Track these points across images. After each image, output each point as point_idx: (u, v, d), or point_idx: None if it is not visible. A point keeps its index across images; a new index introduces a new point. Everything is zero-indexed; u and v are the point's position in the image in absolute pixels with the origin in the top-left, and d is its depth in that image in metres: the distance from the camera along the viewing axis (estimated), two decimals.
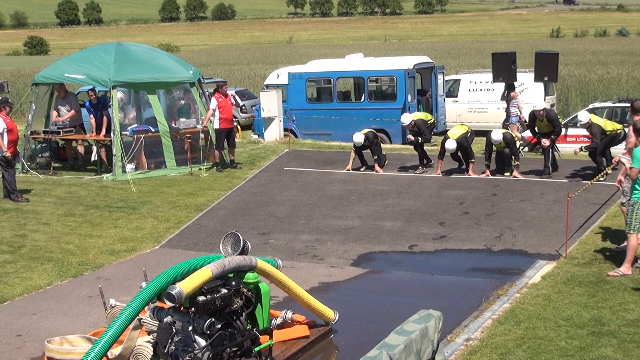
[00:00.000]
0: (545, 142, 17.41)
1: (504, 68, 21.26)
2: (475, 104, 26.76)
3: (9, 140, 16.77)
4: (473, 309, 9.87)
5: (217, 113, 19.67)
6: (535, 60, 21.16)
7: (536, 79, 21.61)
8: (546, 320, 9.16)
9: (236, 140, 22.28)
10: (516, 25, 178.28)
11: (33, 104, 21.36)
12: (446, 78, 26.79)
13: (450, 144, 17.59)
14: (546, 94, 23.96)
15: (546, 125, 17.56)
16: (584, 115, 17.05)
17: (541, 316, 9.30)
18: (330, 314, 9.36)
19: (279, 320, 8.91)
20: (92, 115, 20.59)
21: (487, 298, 10.22)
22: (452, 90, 27.20)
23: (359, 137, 18.94)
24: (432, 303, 7.92)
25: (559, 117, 18.81)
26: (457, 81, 27.64)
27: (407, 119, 18.91)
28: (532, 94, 25.55)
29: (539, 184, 16.85)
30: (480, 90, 26.71)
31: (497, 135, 17.39)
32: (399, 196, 16.43)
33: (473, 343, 8.68)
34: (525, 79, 25.01)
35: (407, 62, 24.21)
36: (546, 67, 20.75)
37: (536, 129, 17.93)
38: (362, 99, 24.52)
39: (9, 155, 16.78)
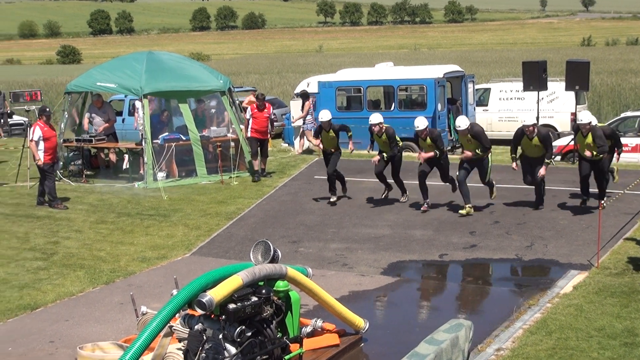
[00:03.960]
0: (542, 173, 14.84)
1: (534, 77, 21.20)
2: (505, 113, 26.66)
3: (45, 148, 16.95)
4: (504, 319, 9.78)
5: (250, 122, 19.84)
6: (567, 69, 21.05)
7: (567, 88, 21.51)
8: (578, 330, 9.06)
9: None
10: (547, 33, 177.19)
11: (65, 113, 21.57)
12: (476, 87, 26.72)
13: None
14: (577, 102, 23.74)
15: (535, 146, 14.93)
16: (585, 116, 14.85)
17: (573, 326, 9.20)
18: (361, 322, 9.34)
19: (309, 329, 8.90)
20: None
21: (518, 308, 10.13)
22: (483, 99, 27.11)
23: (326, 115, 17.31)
24: (462, 313, 7.87)
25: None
26: (488, 90, 27.55)
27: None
28: (563, 103, 25.42)
29: (570, 193, 16.72)
30: (511, 99, 26.62)
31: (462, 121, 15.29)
32: (429, 205, 16.37)
33: (504, 353, 8.61)
34: (556, 88, 24.88)
35: (437, 71, 24.13)
36: (577, 76, 20.64)
37: (520, 148, 15.36)
38: (392, 108, 24.46)
39: (41, 164, 16.95)
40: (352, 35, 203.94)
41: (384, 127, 16.78)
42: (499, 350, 8.72)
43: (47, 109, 17.85)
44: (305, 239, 14.22)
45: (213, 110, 22.39)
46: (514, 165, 15.52)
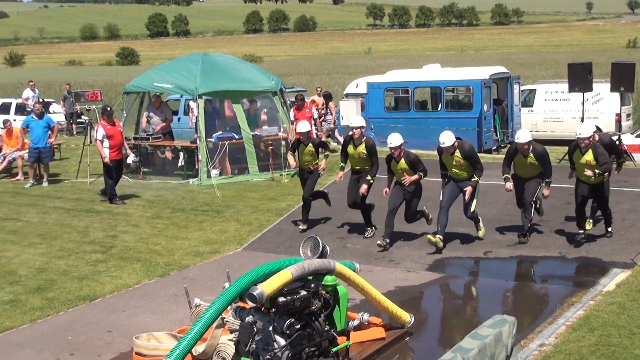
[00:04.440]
0: (545, 192, 13.01)
1: (580, 78, 20.94)
2: (550, 114, 26.41)
3: (110, 146, 17.20)
4: (547, 315, 9.69)
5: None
6: (612, 71, 20.78)
7: (612, 89, 21.24)
8: (620, 327, 8.94)
9: None
10: (592, 35, 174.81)
11: (124, 112, 21.84)
12: (522, 88, 26.49)
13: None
14: (622, 104, 23.41)
15: (530, 164, 12.87)
16: (586, 129, 12.56)
17: (615, 324, 9.08)
18: (406, 317, 9.33)
19: (356, 322, 8.90)
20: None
21: (561, 305, 10.03)
22: (528, 100, 26.87)
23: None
24: (506, 308, 7.82)
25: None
26: (533, 91, 27.30)
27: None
28: (607, 104, 25.08)
29: (614, 193, 16.43)
30: (556, 100, 26.36)
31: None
32: None
33: (547, 349, 8.53)
34: (602, 89, 24.55)
35: (483, 72, 24.00)
36: (622, 78, 20.37)
37: (513, 166, 13.31)
38: (439, 108, 24.39)
39: (108, 162, 17.20)
40: (401, 38, 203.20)
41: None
42: (542, 346, 8.64)
43: (109, 108, 18.09)
44: (352, 236, 14.23)
45: (265, 110, 22.50)
46: (508, 185, 13.16)
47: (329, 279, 8.34)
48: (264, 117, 22.71)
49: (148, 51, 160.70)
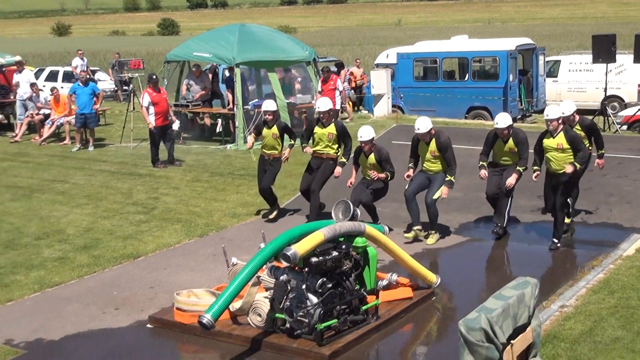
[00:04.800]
0: (510, 182, 11.18)
1: (604, 50, 20.69)
2: (574, 84, 26.08)
3: (155, 112, 17.33)
4: (568, 278, 9.67)
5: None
6: (635, 43, 20.53)
7: (635, 60, 20.98)
8: (639, 290, 8.90)
9: (346, 114, 22.41)
10: (617, 8, 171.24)
11: (165, 80, 21.91)
12: (547, 59, 26.17)
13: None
14: None
15: (510, 150, 11.41)
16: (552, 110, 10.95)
17: (635, 287, 9.03)
18: (433, 277, 9.34)
19: (384, 282, 8.93)
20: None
21: (582, 268, 9.99)
22: (552, 71, 26.55)
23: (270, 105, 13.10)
24: (529, 271, 7.78)
25: None
26: (558, 62, 26.97)
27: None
28: (630, 75, 24.72)
29: (634, 161, 16.30)
30: (580, 70, 26.03)
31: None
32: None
33: (567, 310, 8.51)
34: (625, 61, 24.19)
35: (509, 44, 23.74)
36: None
37: (492, 154, 11.73)
38: (466, 78, 24.20)
39: (152, 128, 17.31)
40: (430, 10, 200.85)
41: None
42: (563, 307, 8.63)
43: (154, 76, 18.18)
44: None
45: (299, 79, 22.46)
46: (482, 173, 11.62)
47: (359, 241, 8.38)
48: (297, 85, 22.69)
49: (188, 22, 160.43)
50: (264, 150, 13.04)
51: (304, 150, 12.84)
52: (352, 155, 12.16)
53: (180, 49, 21.98)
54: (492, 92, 22.97)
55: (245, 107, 19.78)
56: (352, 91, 27.40)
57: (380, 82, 24.11)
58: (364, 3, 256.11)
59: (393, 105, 24.44)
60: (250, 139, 13.84)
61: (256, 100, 20.55)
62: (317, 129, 12.48)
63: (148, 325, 8.80)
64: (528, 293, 6.96)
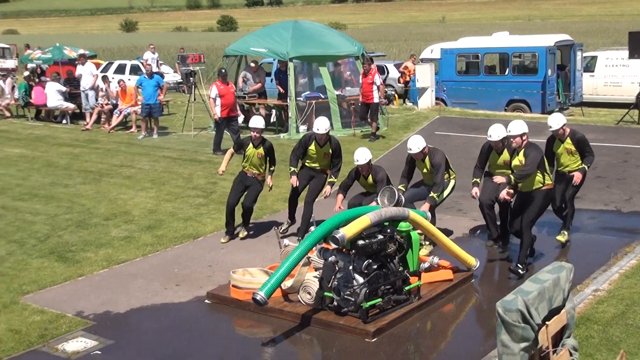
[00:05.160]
0: (506, 195, 9.24)
1: (639, 46, 20.35)
2: (610, 79, 25.56)
3: (221, 104, 17.53)
4: (602, 264, 9.52)
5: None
6: (629, 39, 20.31)
7: (630, 56, 20.81)
8: None
9: (393, 106, 22.25)
10: None
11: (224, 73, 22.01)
12: (584, 54, 25.70)
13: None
14: None
15: (504, 162, 9.97)
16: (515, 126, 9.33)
17: None
18: (472, 261, 9.28)
19: (426, 265, 8.91)
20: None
21: (615, 254, 9.82)
22: (590, 66, 26.07)
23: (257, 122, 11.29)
24: (564, 256, 7.69)
25: None
26: (595, 57, 26.46)
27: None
28: None
29: None
30: (616, 66, 25.51)
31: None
32: None
33: (600, 294, 8.39)
34: None
35: (548, 40, 23.38)
36: None
37: (488, 167, 10.49)
38: (506, 73, 23.90)
39: (217, 118, 17.49)
40: (472, 8, 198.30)
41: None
42: (596, 291, 8.51)
43: (223, 70, 18.43)
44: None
45: (348, 73, 22.41)
46: (473, 191, 10.32)
47: (403, 225, 8.37)
48: (347, 79, 22.62)
49: (245, 19, 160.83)
50: (247, 167, 11.17)
51: (291, 178, 11.20)
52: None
53: (238, 44, 22.09)
54: (531, 86, 22.67)
55: (298, 99, 19.86)
56: (403, 84, 27.25)
57: (424, 76, 23.94)
58: (410, 1, 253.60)
59: (436, 98, 24.25)
60: (227, 157, 11.68)
61: (308, 92, 20.62)
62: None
63: (206, 301, 8.90)
64: (563, 277, 6.88)
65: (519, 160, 9.18)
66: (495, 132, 10.05)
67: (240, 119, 18.64)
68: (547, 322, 6.58)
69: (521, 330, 6.19)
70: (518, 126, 9.18)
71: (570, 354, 6.99)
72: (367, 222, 7.88)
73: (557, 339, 6.86)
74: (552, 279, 6.72)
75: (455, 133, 19.37)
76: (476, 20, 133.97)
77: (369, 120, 19.33)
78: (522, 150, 9.12)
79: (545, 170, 9.22)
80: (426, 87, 24.03)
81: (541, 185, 9.18)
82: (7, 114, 25.11)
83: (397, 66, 30.43)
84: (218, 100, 17.51)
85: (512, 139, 9.27)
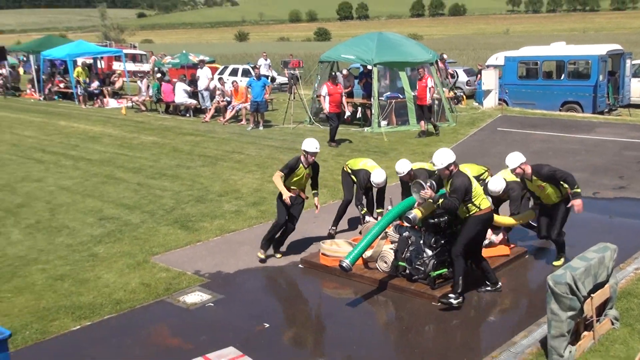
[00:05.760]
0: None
1: None
2: None
3: (330, 101, 17.79)
4: None
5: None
6: None
7: None
8: None
9: (461, 106, 21.88)
10: None
11: (318, 76, 22.12)
12: (633, 62, 24.56)
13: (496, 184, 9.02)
14: None
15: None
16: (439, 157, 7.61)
17: None
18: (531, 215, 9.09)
19: (487, 241, 8.74)
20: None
21: None
22: (638, 72, 24.90)
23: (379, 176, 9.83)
24: (609, 239, 7.40)
25: None
26: None
27: (403, 167, 9.24)
28: None
29: None
30: None
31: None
32: (587, 154, 15.41)
33: None
34: None
35: (600, 49, 22.45)
36: None
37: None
38: (562, 77, 23.10)
39: (327, 113, 17.95)
40: (533, 21, 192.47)
41: (412, 173, 9.31)
42: (637, 269, 8.21)
43: (334, 73, 18.81)
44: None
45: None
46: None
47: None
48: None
49: (337, 30, 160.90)
50: (293, 187, 9.20)
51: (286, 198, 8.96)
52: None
53: (331, 51, 22.09)
54: (583, 89, 21.85)
55: (380, 98, 19.77)
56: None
57: (489, 80, 23.42)
58: (479, 15, 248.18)
59: (499, 99, 23.70)
60: (278, 176, 9.10)
61: (389, 93, 20.50)
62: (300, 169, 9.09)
63: (299, 266, 8.99)
64: (608, 256, 6.69)
65: (447, 189, 7.60)
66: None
67: (347, 114, 18.64)
68: (592, 295, 6.41)
69: (569, 300, 6.07)
70: (441, 158, 7.52)
71: (612, 323, 6.79)
72: (434, 206, 7.80)
73: (601, 310, 6.69)
74: (598, 258, 6.55)
75: (515, 129, 18.87)
76: (536, 32, 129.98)
77: (428, 119, 18.77)
78: (451, 179, 7.48)
79: (471, 199, 7.43)
80: (490, 90, 23.50)
81: (471, 212, 7.50)
82: (143, 108, 25.89)
83: (466, 71, 29.88)
84: (327, 98, 17.68)
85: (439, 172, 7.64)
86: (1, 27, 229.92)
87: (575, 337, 6.30)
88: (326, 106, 17.80)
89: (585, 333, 6.42)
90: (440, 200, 7.42)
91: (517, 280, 8.51)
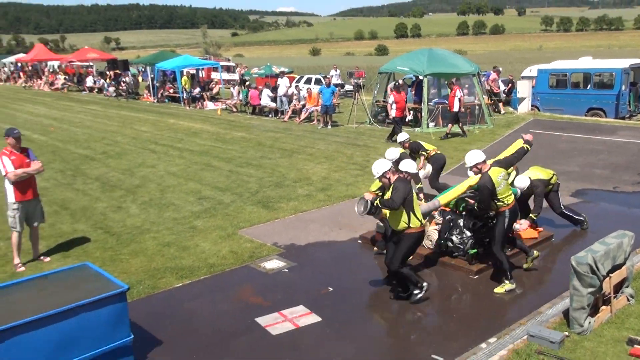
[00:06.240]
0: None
1: None
2: None
3: (396, 108, 17.70)
4: None
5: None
6: None
7: None
8: None
9: (500, 111, 21.31)
10: None
11: (377, 84, 21.95)
12: None
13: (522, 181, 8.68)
14: None
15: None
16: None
17: None
18: None
19: (517, 226, 8.49)
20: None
21: None
22: None
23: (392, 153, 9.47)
24: (627, 227, 7.07)
25: None
26: None
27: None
28: None
29: None
30: None
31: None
32: (609, 154, 14.72)
33: None
34: None
35: (624, 63, 21.34)
36: None
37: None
38: (588, 87, 22.11)
39: (393, 117, 17.72)
40: (564, 39, 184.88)
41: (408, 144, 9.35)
42: None
43: (396, 83, 18.52)
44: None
45: (467, 86, 21.60)
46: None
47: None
48: (465, 90, 21.81)
49: (394, 47, 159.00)
50: (386, 218, 7.28)
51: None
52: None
53: (388, 64, 21.85)
54: (607, 97, 20.85)
55: (429, 103, 19.44)
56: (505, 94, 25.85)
57: (524, 89, 22.69)
58: (516, 34, 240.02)
59: (532, 105, 22.91)
60: (368, 197, 7.00)
61: (436, 99, 20.17)
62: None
63: (358, 241, 8.96)
64: (625, 242, 6.41)
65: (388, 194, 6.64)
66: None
67: (408, 118, 18.50)
68: (610, 275, 6.16)
69: (589, 278, 5.85)
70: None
71: (628, 300, 6.50)
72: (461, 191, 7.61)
73: (618, 288, 6.42)
74: (617, 243, 6.28)
75: (545, 131, 18.21)
76: (566, 49, 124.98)
77: (455, 123, 18.08)
78: (393, 184, 6.60)
79: (412, 210, 6.57)
80: (524, 97, 22.76)
81: (406, 226, 6.56)
82: (234, 109, 26.31)
83: (503, 82, 28.98)
84: (394, 105, 17.52)
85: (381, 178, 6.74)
86: (126, 44, 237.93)
87: (594, 310, 6.07)
88: (392, 112, 17.62)
89: (604, 307, 6.17)
90: (378, 200, 6.50)
91: (544, 260, 8.23)
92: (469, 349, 5.82)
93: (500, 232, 7.12)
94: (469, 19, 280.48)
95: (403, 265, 6.73)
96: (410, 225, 6.61)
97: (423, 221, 6.76)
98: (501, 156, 7.94)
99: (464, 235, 7.70)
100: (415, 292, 6.80)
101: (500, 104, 23.67)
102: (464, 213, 7.74)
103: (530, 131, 18.33)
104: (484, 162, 7.16)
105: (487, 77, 23.45)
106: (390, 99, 17.83)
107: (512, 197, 7.25)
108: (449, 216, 7.91)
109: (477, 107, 19.56)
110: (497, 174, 7.02)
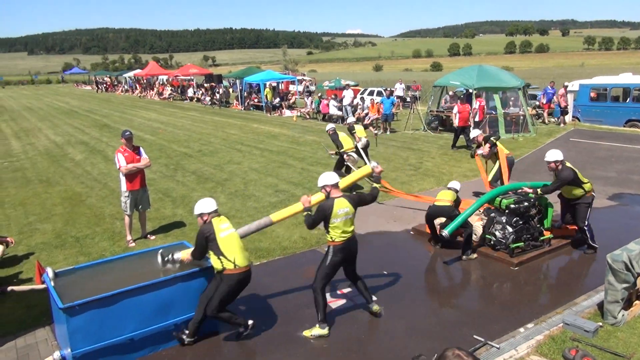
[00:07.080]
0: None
1: None
2: None
3: (459, 118, 16.51)
4: None
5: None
6: None
7: None
8: None
9: (543, 121, 20.29)
10: None
11: (432, 96, 21.46)
12: None
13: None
14: None
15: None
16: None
17: None
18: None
19: (557, 224, 8.06)
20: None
21: None
22: None
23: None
24: None
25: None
26: None
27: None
28: None
29: None
30: None
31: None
32: None
33: None
34: None
35: None
36: None
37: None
38: (627, 101, 20.69)
39: (456, 126, 16.66)
40: (605, 57, 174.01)
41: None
42: None
43: (462, 95, 17.93)
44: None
45: (512, 98, 20.76)
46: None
47: (542, 199, 7.63)
48: (511, 102, 20.97)
49: (447, 63, 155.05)
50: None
51: None
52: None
53: (442, 79, 21.31)
54: None
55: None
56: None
57: (568, 101, 21.57)
58: (560, 52, 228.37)
59: (573, 116, 21.71)
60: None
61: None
62: None
63: (410, 232, 8.79)
64: None
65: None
66: (550, 155, 7.61)
67: (471, 129, 17.76)
68: None
69: (624, 275, 5.46)
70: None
71: None
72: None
73: None
74: None
75: (585, 140, 17.21)
76: (607, 66, 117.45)
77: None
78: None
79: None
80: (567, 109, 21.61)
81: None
82: (307, 117, 26.49)
83: (547, 94, 27.57)
84: (458, 115, 16.87)
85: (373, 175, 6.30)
86: (220, 61, 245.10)
87: (628, 304, 5.66)
88: (456, 121, 16.96)
89: (637, 302, 5.75)
90: (305, 213, 5.62)
91: (581, 255, 7.77)
92: (508, 332, 5.59)
93: (584, 212, 7.49)
94: (517, 39, 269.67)
95: (221, 310, 5.29)
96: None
97: (245, 263, 5.30)
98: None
99: (507, 231, 7.40)
100: (241, 330, 5.45)
101: (545, 114, 22.60)
102: (506, 211, 7.44)
103: (570, 139, 17.45)
104: (562, 161, 7.40)
105: (553, 92, 22.30)
106: (455, 109, 17.18)
107: (590, 185, 7.45)
108: (493, 214, 7.63)
109: (521, 117, 18.75)
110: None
